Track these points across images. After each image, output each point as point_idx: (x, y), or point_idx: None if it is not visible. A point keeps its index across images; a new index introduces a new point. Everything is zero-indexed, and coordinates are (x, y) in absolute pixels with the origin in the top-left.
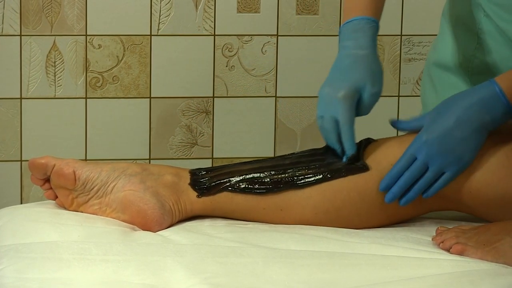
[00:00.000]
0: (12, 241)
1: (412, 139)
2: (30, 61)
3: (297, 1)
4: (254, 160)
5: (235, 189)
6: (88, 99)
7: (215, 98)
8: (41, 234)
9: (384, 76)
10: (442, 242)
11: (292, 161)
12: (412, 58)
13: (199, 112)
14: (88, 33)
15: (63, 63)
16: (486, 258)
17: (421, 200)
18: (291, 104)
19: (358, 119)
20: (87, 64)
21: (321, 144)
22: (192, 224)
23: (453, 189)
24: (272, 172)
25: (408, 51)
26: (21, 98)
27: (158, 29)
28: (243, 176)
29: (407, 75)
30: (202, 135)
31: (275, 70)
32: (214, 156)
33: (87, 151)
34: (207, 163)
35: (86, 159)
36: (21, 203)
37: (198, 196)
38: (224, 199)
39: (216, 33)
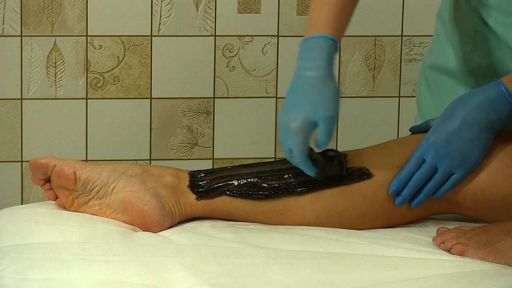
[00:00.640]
0: (13, 241)
1: (414, 140)
2: (31, 61)
3: (298, 2)
4: (253, 163)
5: (233, 193)
6: (88, 100)
7: (215, 99)
8: (41, 235)
9: (385, 78)
10: (443, 242)
11: (290, 165)
12: (412, 59)
13: (199, 112)
14: (88, 34)
15: (63, 63)
16: (487, 258)
17: (425, 203)
18: None
19: (358, 120)
20: (88, 65)
21: None
22: (193, 225)
23: (458, 190)
24: (271, 178)
25: (409, 51)
26: (21, 99)
27: (158, 30)
28: (242, 181)
29: (408, 76)
30: (203, 136)
31: (276, 71)
32: (214, 157)
33: (87, 151)
34: (208, 164)
35: (86, 160)
36: (22, 204)
37: (197, 199)
38: (223, 202)
39: (216, 34)
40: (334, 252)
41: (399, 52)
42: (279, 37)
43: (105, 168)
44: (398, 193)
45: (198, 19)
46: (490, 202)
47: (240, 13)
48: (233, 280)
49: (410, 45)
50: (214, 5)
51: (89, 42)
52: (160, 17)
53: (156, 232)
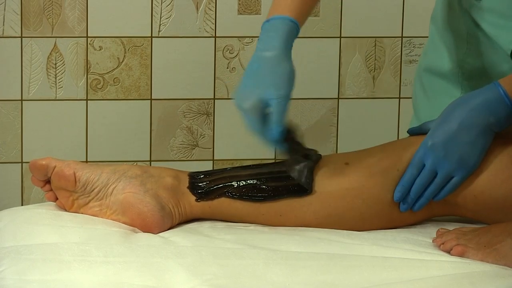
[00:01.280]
0: (13, 242)
1: (414, 142)
2: (31, 62)
3: None
4: (253, 165)
5: (233, 195)
6: (89, 101)
7: (216, 100)
8: (41, 236)
9: (386, 79)
10: (443, 243)
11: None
12: (413, 60)
13: (200, 113)
14: (89, 35)
15: (64, 64)
16: (487, 259)
17: (426, 206)
18: (291, 106)
19: (358, 121)
20: (88, 66)
21: (321, 145)
22: (193, 226)
23: (458, 192)
24: (270, 179)
25: (409, 52)
26: (22, 100)
27: (159, 31)
28: (242, 182)
29: (408, 77)
30: (203, 137)
31: None
32: (215, 158)
33: (87, 152)
34: (208, 165)
35: (86, 161)
36: (22, 205)
37: (196, 200)
38: (222, 204)
39: (217, 35)
40: (334, 253)
41: (399, 53)
42: None
43: (105, 169)
44: (402, 199)
45: (198, 20)
46: (490, 203)
47: (240, 14)
48: (233, 281)
49: (410, 46)
50: (214, 6)
51: (89, 43)
52: (160, 18)
53: (156, 233)
